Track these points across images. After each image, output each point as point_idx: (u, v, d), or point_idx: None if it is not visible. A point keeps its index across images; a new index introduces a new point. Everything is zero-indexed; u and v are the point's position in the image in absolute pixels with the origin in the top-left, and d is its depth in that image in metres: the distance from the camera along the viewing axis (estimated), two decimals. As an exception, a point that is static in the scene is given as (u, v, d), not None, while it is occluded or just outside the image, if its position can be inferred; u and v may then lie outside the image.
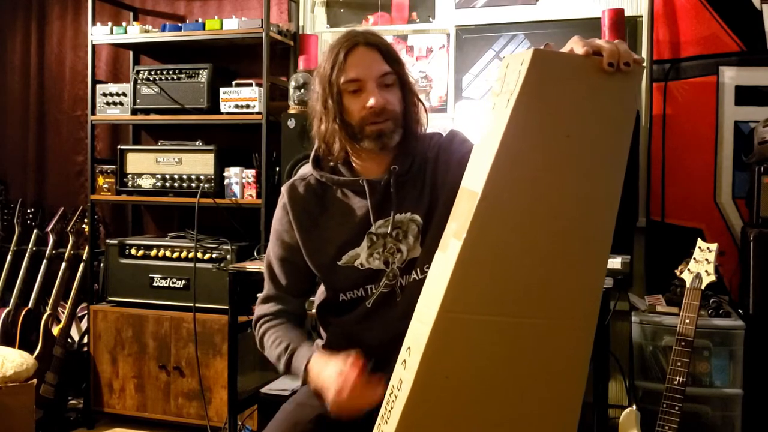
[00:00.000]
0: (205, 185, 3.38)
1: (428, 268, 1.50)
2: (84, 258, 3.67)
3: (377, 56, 1.61)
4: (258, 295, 1.80)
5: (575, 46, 1.21)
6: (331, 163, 1.71)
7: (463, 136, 1.75)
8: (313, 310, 1.85)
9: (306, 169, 1.76)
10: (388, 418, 1.18)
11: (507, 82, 1.17)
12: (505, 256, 1.13)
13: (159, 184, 3.49)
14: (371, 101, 1.58)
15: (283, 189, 1.75)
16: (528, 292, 1.13)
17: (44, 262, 3.72)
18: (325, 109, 1.63)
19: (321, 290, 1.81)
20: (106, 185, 3.62)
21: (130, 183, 3.55)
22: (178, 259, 3.39)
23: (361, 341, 1.68)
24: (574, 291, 1.14)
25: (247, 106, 3.32)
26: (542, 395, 1.14)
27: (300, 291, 1.77)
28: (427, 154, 1.70)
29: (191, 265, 3.32)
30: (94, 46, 3.64)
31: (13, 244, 3.86)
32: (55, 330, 3.57)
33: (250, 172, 3.34)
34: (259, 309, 1.76)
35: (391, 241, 1.65)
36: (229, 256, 3.28)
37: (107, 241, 3.58)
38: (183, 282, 3.38)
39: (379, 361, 1.57)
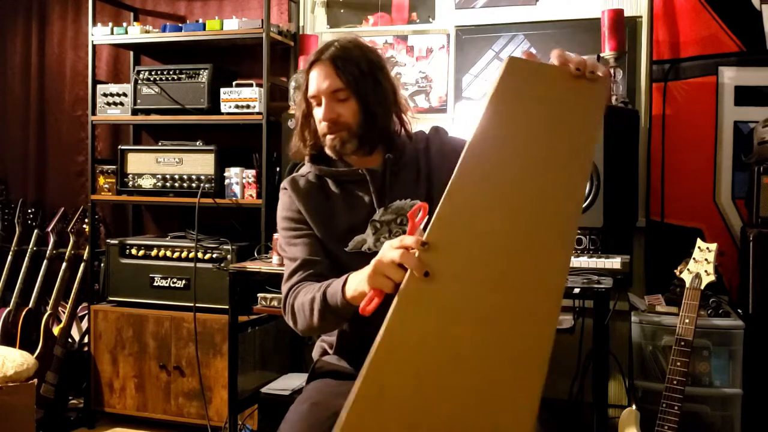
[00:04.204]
0: (206, 185, 3.38)
1: None
2: (84, 258, 3.68)
3: (331, 72, 1.71)
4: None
5: (552, 57, 1.34)
6: (320, 155, 1.81)
7: (445, 129, 1.90)
8: None
9: (304, 169, 1.86)
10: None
11: (490, 87, 1.29)
12: (473, 242, 1.18)
13: (159, 184, 3.50)
14: (319, 115, 1.73)
15: (284, 183, 1.83)
16: (496, 274, 1.17)
17: (45, 262, 3.73)
18: (299, 119, 1.81)
19: None
20: (106, 185, 3.62)
21: (130, 183, 3.56)
22: (179, 259, 3.40)
23: (374, 328, 1.69)
24: (539, 274, 1.17)
25: (248, 107, 3.33)
26: (505, 373, 1.14)
27: (322, 254, 1.74)
28: (418, 145, 1.83)
29: (191, 265, 3.33)
30: (94, 47, 3.65)
31: (13, 244, 3.87)
32: (56, 330, 3.57)
33: (251, 173, 3.35)
34: (285, 286, 1.73)
35: (396, 226, 1.72)
36: (229, 256, 3.29)
37: (108, 241, 3.59)
38: (183, 282, 3.39)
39: None
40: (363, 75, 1.72)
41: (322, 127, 1.74)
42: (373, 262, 1.35)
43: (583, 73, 1.29)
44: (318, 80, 1.72)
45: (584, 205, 2.79)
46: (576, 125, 1.24)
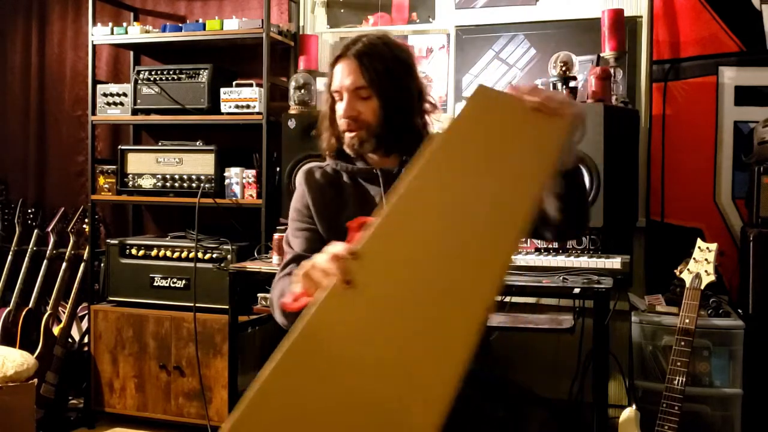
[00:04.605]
0: (206, 185, 3.38)
1: None
2: (84, 258, 3.68)
3: (356, 69, 1.69)
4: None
5: (522, 89, 1.37)
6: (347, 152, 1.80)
7: None
8: None
9: (323, 161, 1.86)
10: None
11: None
12: (406, 260, 1.19)
13: (159, 184, 3.50)
14: (340, 111, 1.71)
15: (300, 173, 1.83)
16: (420, 295, 1.17)
17: (45, 262, 3.73)
18: (324, 112, 1.79)
19: None
20: (106, 185, 3.62)
21: (130, 183, 3.56)
22: (179, 259, 3.40)
23: None
24: (465, 303, 1.17)
25: (248, 107, 3.33)
26: (407, 391, 1.13)
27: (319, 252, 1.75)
28: None
29: (191, 265, 3.33)
30: (94, 47, 3.65)
31: (13, 244, 3.87)
32: (56, 330, 3.57)
33: (251, 173, 3.35)
34: (276, 278, 1.75)
35: None
36: (229, 256, 3.29)
37: (108, 241, 3.59)
38: (183, 282, 3.39)
39: None
40: (388, 74, 1.69)
41: (342, 123, 1.72)
42: (304, 263, 1.34)
43: (541, 107, 1.31)
44: (341, 75, 1.70)
45: (584, 205, 2.79)
46: (526, 157, 1.27)
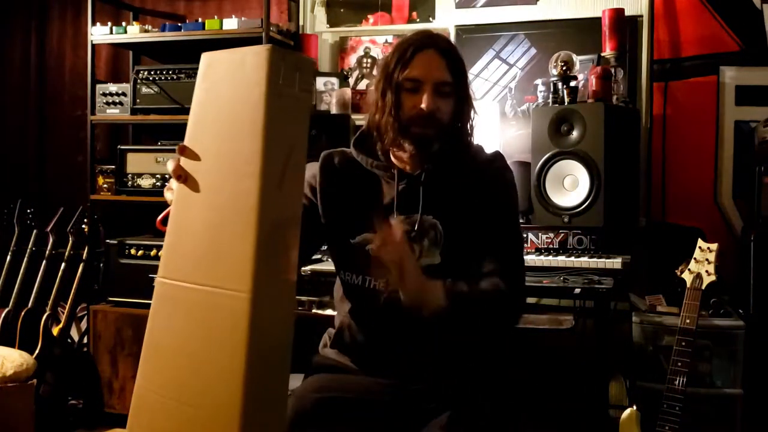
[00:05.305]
0: (205, 185, 3.37)
1: (447, 275, 1.58)
2: (84, 258, 3.66)
3: (443, 64, 1.66)
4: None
5: None
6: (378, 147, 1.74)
7: (506, 164, 1.77)
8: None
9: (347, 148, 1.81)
10: None
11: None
12: (191, 225, 1.30)
13: (159, 184, 3.49)
14: (423, 104, 1.63)
15: (323, 154, 1.79)
16: (204, 259, 1.27)
17: (44, 262, 3.71)
18: (383, 100, 1.68)
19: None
20: (105, 185, 3.61)
21: (129, 183, 3.55)
22: (178, 259, 3.39)
23: (372, 341, 1.69)
24: (233, 260, 1.23)
25: (247, 106, 3.32)
26: (210, 361, 1.24)
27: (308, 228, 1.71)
28: (473, 165, 1.72)
29: (191, 265, 3.32)
30: (94, 46, 3.64)
31: (12, 244, 3.85)
32: (55, 330, 3.56)
33: (250, 172, 3.34)
34: None
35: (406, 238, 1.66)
36: (228, 256, 3.28)
37: (107, 241, 3.58)
38: (183, 282, 3.38)
39: (395, 367, 1.62)
40: (465, 77, 1.69)
41: (413, 115, 1.64)
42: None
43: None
44: (427, 66, 1.64)
45: (585, 205, 2.79)
46: (249, 100, 1.28)
